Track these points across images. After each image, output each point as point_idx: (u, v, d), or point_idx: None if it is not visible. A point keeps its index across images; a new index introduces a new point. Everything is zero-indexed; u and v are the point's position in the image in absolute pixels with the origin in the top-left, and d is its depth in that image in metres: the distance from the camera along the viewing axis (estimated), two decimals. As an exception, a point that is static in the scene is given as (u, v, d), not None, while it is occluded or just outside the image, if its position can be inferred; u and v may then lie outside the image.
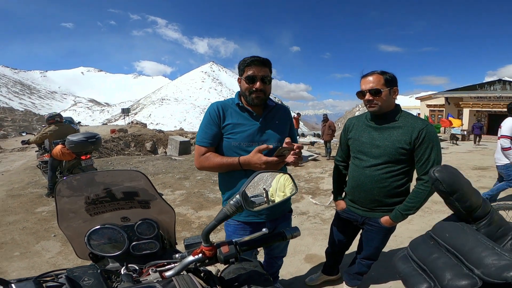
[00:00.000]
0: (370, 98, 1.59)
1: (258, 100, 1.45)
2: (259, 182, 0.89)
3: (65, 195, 0.80)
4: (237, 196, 0.78)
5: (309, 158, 8.65)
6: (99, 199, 0.82)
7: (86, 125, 22.37)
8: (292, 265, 2.71)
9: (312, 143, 13.48)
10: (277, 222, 1.60)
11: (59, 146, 4.56)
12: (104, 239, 0.83)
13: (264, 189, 0.90)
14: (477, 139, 14.71)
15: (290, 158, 1.30)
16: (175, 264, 0.79)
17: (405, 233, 3.37)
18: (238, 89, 1.55)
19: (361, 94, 1.65)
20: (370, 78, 1.60)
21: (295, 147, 1.28)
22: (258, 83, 1.41)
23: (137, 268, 0.79)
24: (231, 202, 0.79)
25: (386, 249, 2.90)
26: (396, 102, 1.72)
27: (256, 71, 1.41)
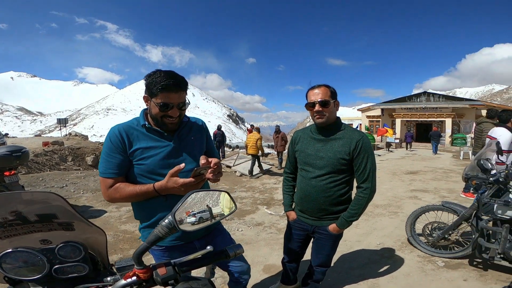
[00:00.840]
0: (320, 109, 1.67)
1: (173, 125, 1.31)
2: (205, 198, 0.88)
3: None
4: (169, 217, 0.77)
5: (263, 170, 8.78)
6: (7, 222, 0.75)
7: (13, 137, 19.43)
8: (251, 277, 2.63)
9: (266, 154, 13.75)
10: (209, 238, 1.49)
11: None
12: (19, 263, 0.77)
13: (208, 205, 0.89)
14: (409, 146, 17.83)
15: (208, 175, 1.20)
16: None
17: (354, 237, 3.59)
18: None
19: (310, 106, 1.72)
20: (318, 90, 1.69)
21: (212, 164, 1.18)
22: (174, 111, 1.25)
23: None
24: (163, 223, 0.76)
25: (337, 254, 3.04)
26: (339, 113, 1.84)
27: (172, 99, 1.22)
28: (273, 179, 7.82)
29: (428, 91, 24.44)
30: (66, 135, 21.91)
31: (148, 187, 1.24)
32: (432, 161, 11.77)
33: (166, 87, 1.20)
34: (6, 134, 11.76)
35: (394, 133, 20.29)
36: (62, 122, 28.31)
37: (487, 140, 4.07)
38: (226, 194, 0.96)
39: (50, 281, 0.80)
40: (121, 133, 1.28)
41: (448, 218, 3.01)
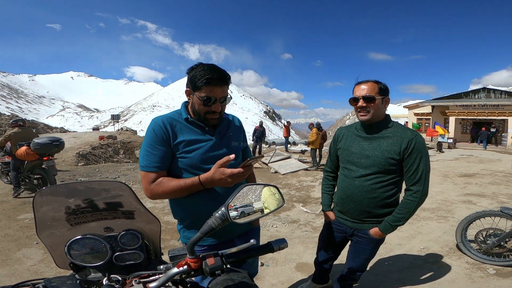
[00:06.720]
0: (364, 104, 1.58)
1: (214, 121, 1.29)
2: (248, 193, 0.89)
3: (44, 205, 0.78)
4: (223, 208, 0.79)
5: (301, 168, 8.69)
6: (80, 209, 0.80)
7: (74, 131, 21.84)
8: (284, 274, 2.68)
9: (303, 152, 13.55)
10: (247, 237, 1.46)
11: (24, 147, 4.95)
12: (85, 249, 0.81)
13: (253, 199, 0.90)
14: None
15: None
16: (160, 276, 0.78)
17: (395, 240, 3.40)
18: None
19: (354, 101, 1.63)
20: (365, 85, 1.60)
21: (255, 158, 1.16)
22: (217, 106, 1.23)
23: (120, 279, 0.77)
24: (217, 214, 0.79)
25: (375, 257, 2.91)
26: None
27: (215, 93, 1.20)
28: (310, 176, 7.70)
29: (488, 86, 21.80)
30: (119, 130, 24.04)
31: (193, 180, 1.20)
32: (491, 163, 10.52)
33: (210, 80, 1.17)
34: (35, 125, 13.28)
35: (448, 131, 18.52)
36: (115, 118, 31.07)
37: None
38: (274, 188, 0.96)
39: (109, 268, 0.83)
40: (165, 125, 1.24)
41: (507, 225, 2.77)
